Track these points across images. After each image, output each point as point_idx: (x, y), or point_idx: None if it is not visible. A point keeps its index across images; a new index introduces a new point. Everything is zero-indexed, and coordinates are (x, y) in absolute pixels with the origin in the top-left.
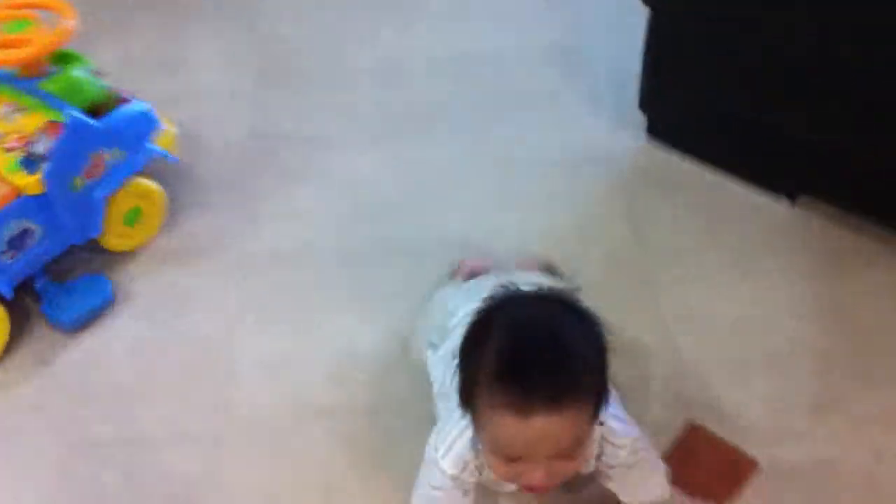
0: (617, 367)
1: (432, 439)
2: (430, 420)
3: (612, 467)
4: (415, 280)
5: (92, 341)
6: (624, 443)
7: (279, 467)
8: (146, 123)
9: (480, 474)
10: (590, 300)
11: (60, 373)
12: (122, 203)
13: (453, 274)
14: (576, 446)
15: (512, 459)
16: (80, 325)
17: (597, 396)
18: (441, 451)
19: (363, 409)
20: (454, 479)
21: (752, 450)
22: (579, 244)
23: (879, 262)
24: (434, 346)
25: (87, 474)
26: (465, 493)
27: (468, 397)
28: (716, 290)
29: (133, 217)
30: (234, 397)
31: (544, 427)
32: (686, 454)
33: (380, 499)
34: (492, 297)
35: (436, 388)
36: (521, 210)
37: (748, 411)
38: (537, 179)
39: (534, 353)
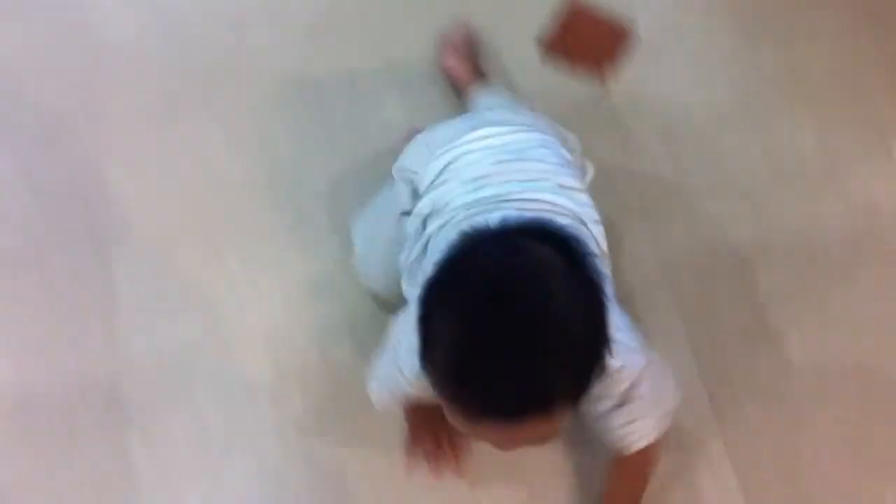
0: None
1: (399, 325)
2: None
3: (598, 405)
4: None
5: None
6: (626, 376)
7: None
8: None
9: None
10: None
11: None
12: None
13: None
14: (551, 436)
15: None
16: None
17: (587, 379)
18: (403, 355)
19: None
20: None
21: (629, 14)
22: None
23: None
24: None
25: None
26: None
27: (425, 368)
28: None
29: None
30: (96, 23)
31: (508, 433)
32: (565, 25)
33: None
34: (461, 240)
35: (404, 254)
36: None
37: None
38: None
39: (497, 353)
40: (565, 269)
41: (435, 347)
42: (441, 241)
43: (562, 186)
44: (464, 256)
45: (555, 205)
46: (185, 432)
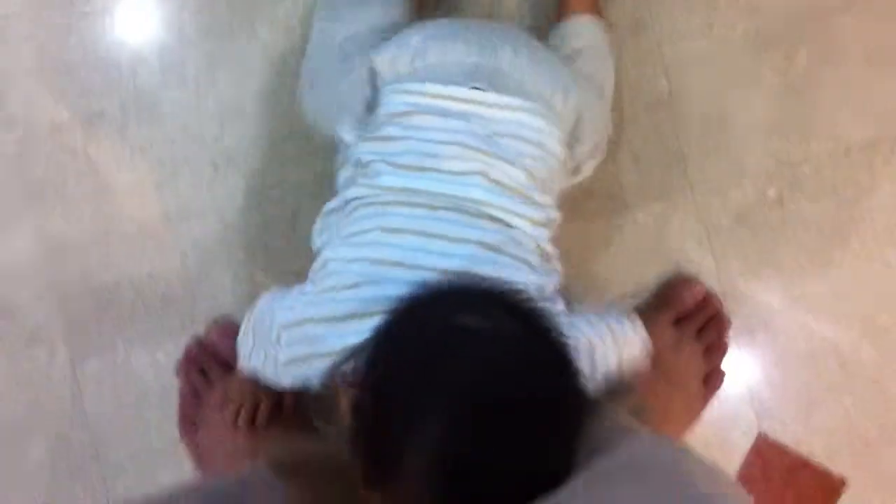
0: None
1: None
2: None
3: None
4: None
5: None
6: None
7: None
8: None
9: None
10: None
11: None
12: None
13: None
14: None
15: None
16: None
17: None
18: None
19: None
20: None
21: None
22: None
23: None
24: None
25: None
26: None
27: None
28: None
29: None
30: None
31: None
32: None
33: None
34: (407, 313)
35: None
36: None
37: None
38: None
39: (492, 451)
40: (535, 347)
41: (405, 460)
42: (360, 220)
43: (526, 200)
44: (422, 348)
45: (508, 225)
46: None
